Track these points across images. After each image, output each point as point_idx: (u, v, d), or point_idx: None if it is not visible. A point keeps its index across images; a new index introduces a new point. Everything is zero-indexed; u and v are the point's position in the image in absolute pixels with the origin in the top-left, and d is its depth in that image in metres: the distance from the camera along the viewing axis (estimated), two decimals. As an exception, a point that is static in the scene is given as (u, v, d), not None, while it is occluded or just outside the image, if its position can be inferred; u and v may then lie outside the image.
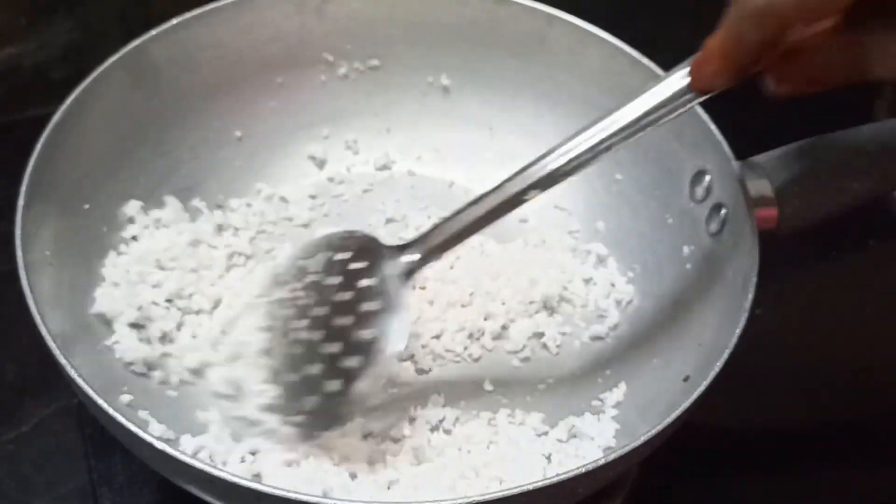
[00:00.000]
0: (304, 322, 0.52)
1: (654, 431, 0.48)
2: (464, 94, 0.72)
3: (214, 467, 0.46)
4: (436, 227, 0.54)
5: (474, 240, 0.57)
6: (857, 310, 0.73)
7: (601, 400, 0.60)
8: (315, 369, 0.52)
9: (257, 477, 0.52)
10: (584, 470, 0.47)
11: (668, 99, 0.49)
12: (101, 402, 0.47)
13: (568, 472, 0.47)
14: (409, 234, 0.67)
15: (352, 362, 0.51)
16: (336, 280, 0.53)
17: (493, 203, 0.52)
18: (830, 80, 0.47)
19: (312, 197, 0.70)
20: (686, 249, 0.63)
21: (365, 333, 0.52)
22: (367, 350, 0.52)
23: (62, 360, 0.49)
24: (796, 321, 0.71)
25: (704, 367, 0.52)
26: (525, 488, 0.46)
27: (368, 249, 0.54)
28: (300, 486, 0.50)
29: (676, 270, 0.64)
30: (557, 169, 0.51)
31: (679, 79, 0.49)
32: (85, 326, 0.57)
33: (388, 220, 0.69)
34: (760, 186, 0.58)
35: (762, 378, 0.65)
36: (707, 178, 0.62)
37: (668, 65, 0.63)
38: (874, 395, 0.68)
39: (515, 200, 0.52)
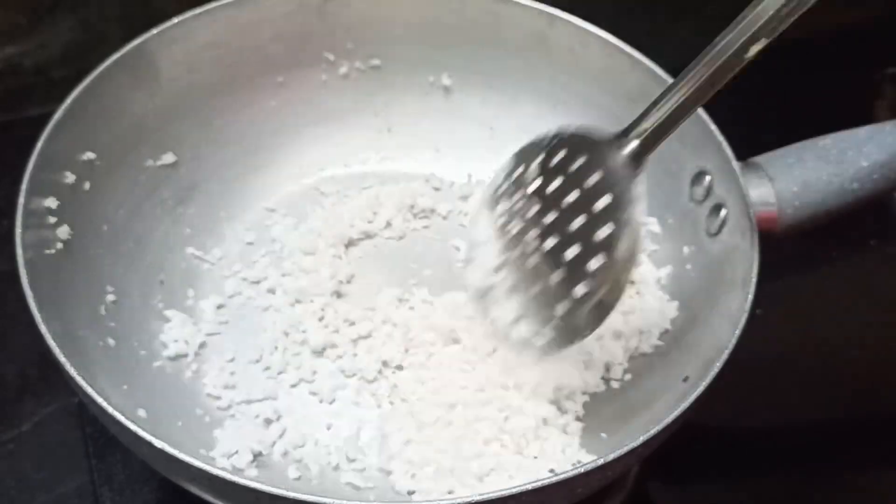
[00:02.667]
0: (536, 231, 0.51)
1: (654, 431, 0.48)
2: (465, 93, 0.72)
3: (214, 466, 0.46)
4: (651, 108, 0.50)
5: None
6: (857, 310, 0.73)
7: (602, 399, 0.60)
8: (557, 277, 0.50)
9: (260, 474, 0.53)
10: (583, 470, 0.47)
11: None
12: (101, 401, 0.47)
13: (568, 471, 0.47)
14: (410, 234, 0.68)
15: (596, 262, 0.49)
16: (558, 182, 0.50)
17: (710, 69, 0.47)
18: None
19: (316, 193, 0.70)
20: (686, 249, 0.63)
21: (603, 231, 0.49)
22: (607, 247, 0.49)
23: (62, 360, 0.49)
24: (796, 321, 0.71)
25: (704, 367, 0.52)
26: (525, 488, 0.46)
27: (582, 145, 0.50)
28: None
29: (676, 271, 0.64)
30: (781, 9, 0.45)
31: None
32: (85, 325, 0.57)
33: (388, 223, 0.68)
34: (760, 187, 0.58)
35: (762, 378, 0.65)
36: (707, 178, 0.62)
37: (668, 65, 0.64)
38: (874, 395, 0.68)
39: (734, 61, 0.46)
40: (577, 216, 0.50)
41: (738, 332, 0.52)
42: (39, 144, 0.56)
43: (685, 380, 0.56)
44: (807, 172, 0.59)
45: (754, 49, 0.46)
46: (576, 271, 0.50)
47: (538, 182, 0.51)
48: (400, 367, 0.60)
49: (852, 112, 0.80)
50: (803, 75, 0.83)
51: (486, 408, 0.58)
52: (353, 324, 0.62)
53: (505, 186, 0.53)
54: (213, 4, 0.65)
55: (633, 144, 0.50)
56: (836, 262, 0.75)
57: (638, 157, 0.50)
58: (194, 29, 0.65)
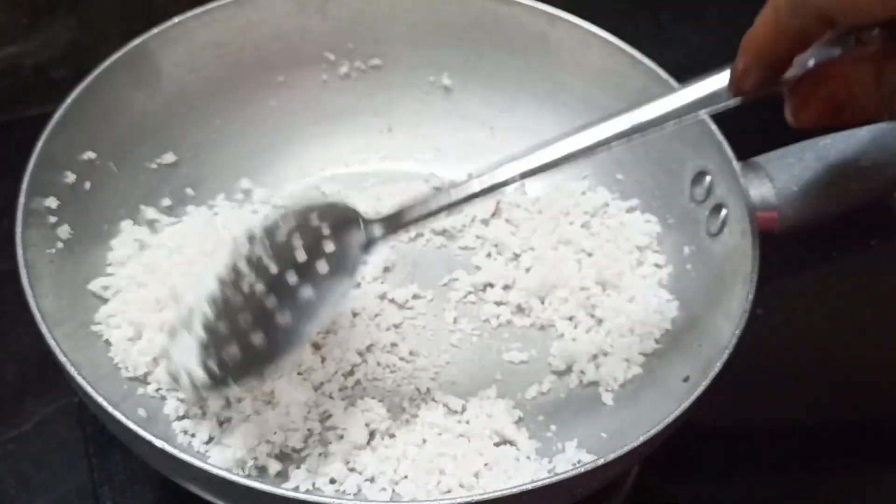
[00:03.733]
0: (254, 276, 0.52)
1: (653, 431, 0.48)
2: (465, 93, 0.72)
3: (213, 465, 0.46)
4: (407, 207, 0.53)
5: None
6: (857, 310, 0.73)
7: (601, 399, 0.60)
8: (244, 320, 0.51)
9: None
10: (583, 470, 0.47)
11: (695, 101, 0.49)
12: (101, 400, 0.48)
13: (568, 471, 0.47)
14: (410, 235, 0.68)
15: (283, 318, 0.51)
16: (298, 242, 0.52)
17: (472, 189, 0.52)
18: (857, 113, 0.44)
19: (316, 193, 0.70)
20: (686, 249, 0.63)
21: (304, 291, 0.51)
22: (300, 308, 0.51)
23: (62, 359, 0.49)
24: (797, 321, 0.71)
25: (704, 367, 0.52)
26: (525, 488, 0.46)
27: (340, 218, 0.53)
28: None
29: (676, 271, 0.64)
30: (546, 164, 0.51)
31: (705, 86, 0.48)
32: (86, 325, 0.57)
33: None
34: (761, 187, 0.58)
35: (762, 378, 0.65)
36: (708, 178, 0.62)
37: (668, 65, 0.64)
38: (874, 395, 0.68)
39: (494, 187, 0.51)
40: (294, 274, 0.52)
41: (738, 332, 0.52)
42: (39, 144, 0.56)
43: (685, 380, 0.56)
44: (807, 172, 0.59)
45: (513, 182, 0.52)
46: (263, 319, 0.51)
47: (285, 239, 0.53)
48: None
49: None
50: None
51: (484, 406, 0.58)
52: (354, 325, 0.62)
53: (258, 232, 0.54)
54: (213, 4, 0.65)
55: (377, 232, 0.53)
56: (836, 262, 0.75)
57: (372, 242, 0.53)
58: (194, 29, 0.65)
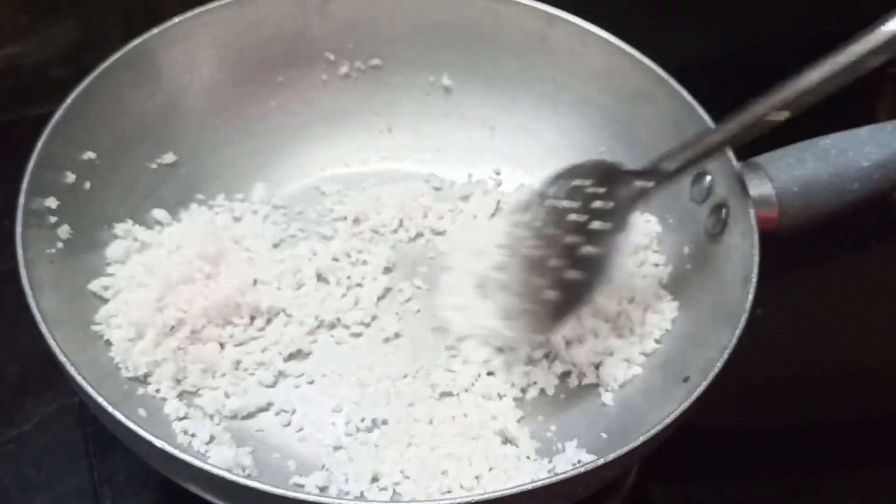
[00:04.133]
0: (536, 242, 0.56)
1: (654, 431, 0.48)
2: (465, 93, 0.72)
3: (213, 465, 0.46)
4: (671, 153, 0.56)
5: None
6: (858, 310, 0.73)
7: (601, 399, 0.60)
8: (539, 281, 0.55)
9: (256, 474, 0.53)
10: (583, 470, 0.47)
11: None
12: (101, 400, 0.48)
13: (568, 471, 0.47)
14: (410, 235, 0.68)
15: (572, 275, 0.54)
16: (574, 204, 0.55)
17: (734, 128, 0.54)
18: None
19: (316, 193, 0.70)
20: (686, 249, 0.63)
21: (589, 249, 0.54)
22: (589, 266, 0.54)
23: (62, 359, 0.49)
24: (797, 321, 0.71)
25: (704, 367, 0.52)
26: (525, 488, 0.46)
27: (607, 175, 0.56)
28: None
29: (677, 271, 0.64)
30: (808, 89, 0.52)
31: None
32: (86, 325, 0.57)
33: (393, 219, 0.69)
34: (761, 187, 0.58)
35: (762, 378, 0.65)
36: (708, 178, 0.62)
37: (668, 65, 0.64)
38: (875, 395, 0.68)
39: (761, 123, 0.53)
40: (573, 234, 0.55)
41: (738, 332, 0.52)
42: (39, 144, 0.56)
43: (685, 380, 0.56)
44: (807, 172, 0.59)
45: (779, 115, 0.52)
46: (553, 278, 0.55)
47: (558, 200, 0.56)
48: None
49: (852, 112, 0.80)
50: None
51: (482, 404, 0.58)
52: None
53: (531, 201, 0.58)
54: (213, 4, 0.65)
55: (648, 183, 0.55)
56: (836, 262, 0.75)
57: (644, 194, 0.56)
58: (194, 29, 0.65)
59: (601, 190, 0.55)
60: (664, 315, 0.62)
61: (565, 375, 0.61)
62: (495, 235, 0.59)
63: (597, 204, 0.55)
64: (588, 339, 0.61)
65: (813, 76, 0.52)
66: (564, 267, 0.54)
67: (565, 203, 0.55)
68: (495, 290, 0.57)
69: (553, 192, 0.56)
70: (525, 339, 0.57)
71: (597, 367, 0.61)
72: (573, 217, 0.55)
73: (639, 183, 0.55)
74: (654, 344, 0.61)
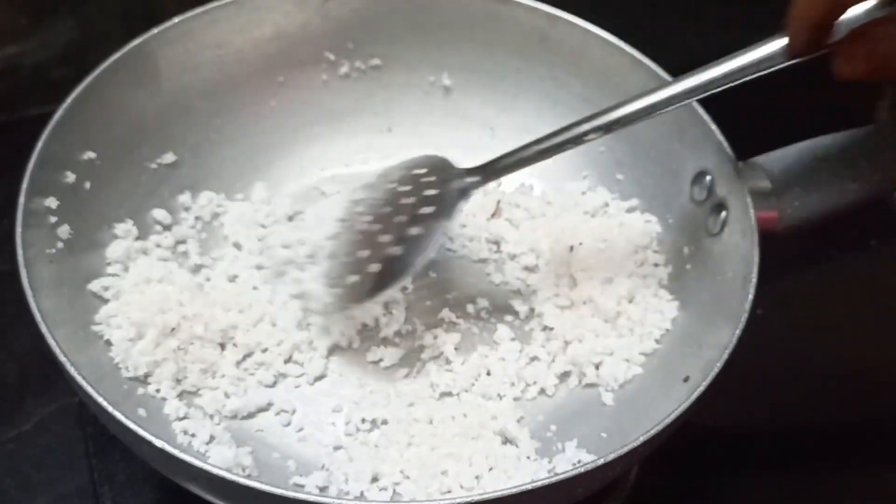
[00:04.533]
0: (369, 218, 0.59)
1: (654, 431, 0.48)
2: (465, 93, 0.72)
3: (213, 465, 0.46)
4: (500, 157, 0.59)
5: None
6: (857, 310, 0.73)
7: (601, 399, 0.60)
8: (364, 254, 0.58)
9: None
10: (583, 470, 0.47)
11: (754, 62, 0.53)
12: (101, 400, 0.48)
13: (568, 471, 0.47)
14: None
15: (395, 251, 0.57)
16: (406, 188, 0.59)
17: (554, 140, 0.57)
18: (891, 71, 0.49)
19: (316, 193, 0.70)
20: (686, 249, 0.63)
21: (414, 230, 0.57)
22: (411, 244, 0.57)
23: (62, 359, 0.49)
24: (797, 321, 0.71)
25: (704, 367, 0.52)
26: (525, 488, 0.46)
27: (440, 168, 0.61)
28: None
29: (677, 271, 0.64)
30: (623, 117, 0.56)
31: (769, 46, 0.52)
32: (86, 325, 0.57)
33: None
34: (761, 187, 0.58)
35: (762, 378, 0.65)
36: (708, 178, 0.62)
37: (668, 65, 0.64)
38: (875, 395, 0.68)
39: (576, 139, 0.57)
40: (403, 215, 0.58)
41: (738, 332, 0.52)
42: (39, 144, 0.56)
43: (685, 380, 0.56)
44: (807, 173, 0.59)
45: (593, 136, 0.57)
46: (377, 252, 0.58)
47: (394, 185, 0.60)
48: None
49: (852, 112, 0.80)
50: (803, 75, 0.83)
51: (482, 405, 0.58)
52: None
53: (372, 184, 0.62)
54: (213, 4, 0.65)
55: (474, 178, 0.59)
56: (836, 262, 0.75)
57: (470, 188, 0.59)
58: (194, 29, 0.65)
59: (433, 179, 0.59)
60: (664, 315, 0.62)
61: (565, 375, 0.61)
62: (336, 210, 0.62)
63: (428, 192, 0.59)
64: (588, 339, 0.62)
65: (642, 102, 0.56)
66: (390, 244, 0.57)
67: (401, 188, 0.59)
68: (324, 258, 0.60)
69: (394, 178, 0.60)
70: (341, 306, 0.59)
71: (597, 367, 0.61)
72: (406, 200, 0.59)
73: (468, 179, 0.59)
74: (654, 344, 0.61)
